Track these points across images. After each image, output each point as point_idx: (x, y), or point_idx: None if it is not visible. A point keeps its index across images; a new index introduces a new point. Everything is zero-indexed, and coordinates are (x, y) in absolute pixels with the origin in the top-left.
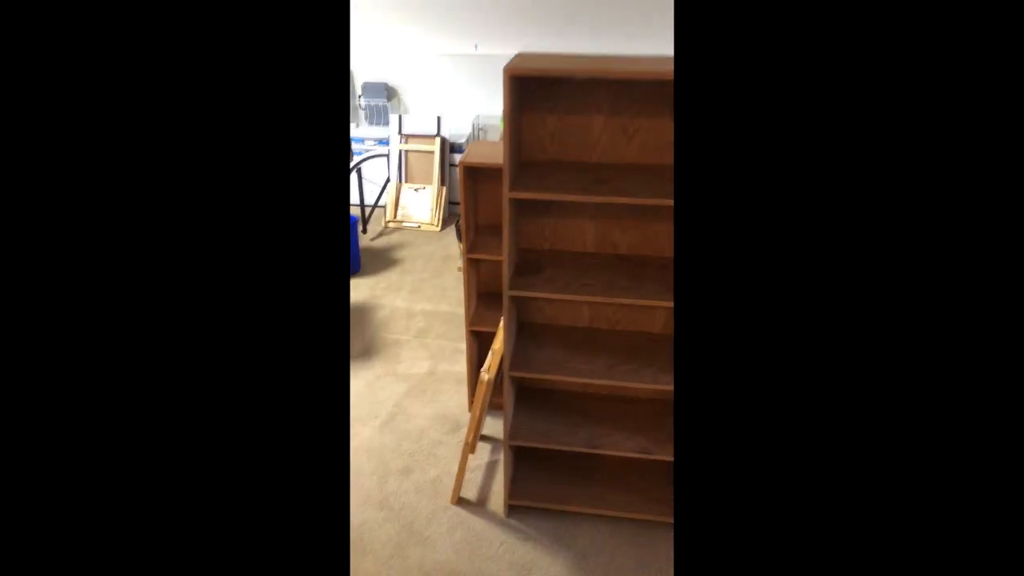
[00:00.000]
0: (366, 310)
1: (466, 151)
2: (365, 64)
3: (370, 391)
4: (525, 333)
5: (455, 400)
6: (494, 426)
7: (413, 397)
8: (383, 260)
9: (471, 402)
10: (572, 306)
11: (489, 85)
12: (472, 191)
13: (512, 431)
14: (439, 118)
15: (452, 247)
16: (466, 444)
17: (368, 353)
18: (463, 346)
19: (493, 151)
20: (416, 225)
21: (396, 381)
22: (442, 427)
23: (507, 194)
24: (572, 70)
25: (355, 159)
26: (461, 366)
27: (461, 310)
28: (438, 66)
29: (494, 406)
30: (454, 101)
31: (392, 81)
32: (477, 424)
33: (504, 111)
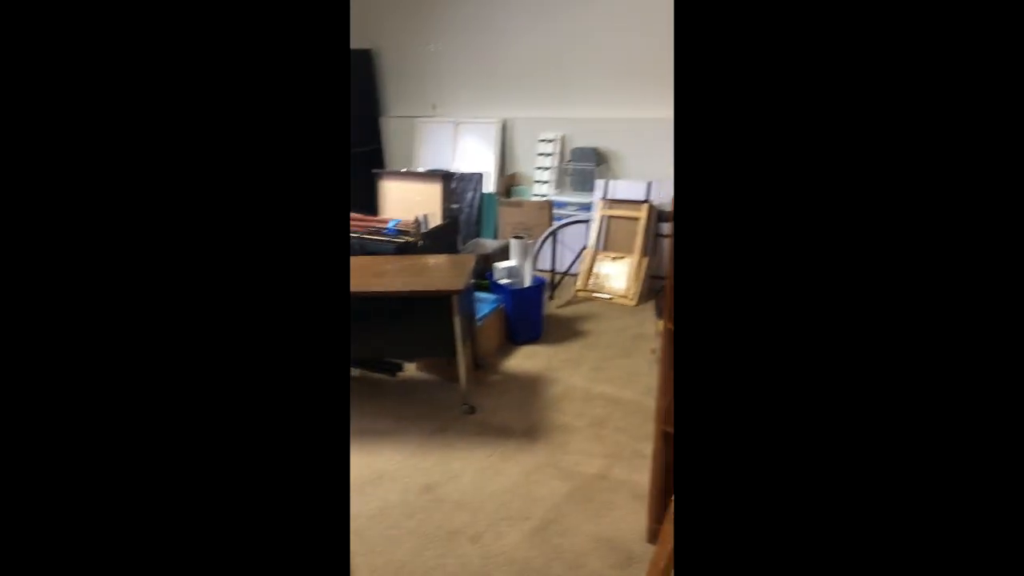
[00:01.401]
0: (539, 382)
1: None
2: (578, 130)
3: (526, 483)
4: None
5: (630, 522)
6: None
7: (576, 504)
8: (567, 330)
9: (651, 531)
10: None
11: None
12: None
13: None
14: (650, 184)
15: (647, 325)
16: None
17: (532, 434)
18: (648, 448)
19: None
20: (609, 297)
21: (558, 477)
22: (608, 556)
23: None
24: None
25: (555, 224)
26: (643, 476)
27: (650, 401)
28: (654, 132)
29: None
30: (669, 168)
31: (603, 146)
32: None
33: None
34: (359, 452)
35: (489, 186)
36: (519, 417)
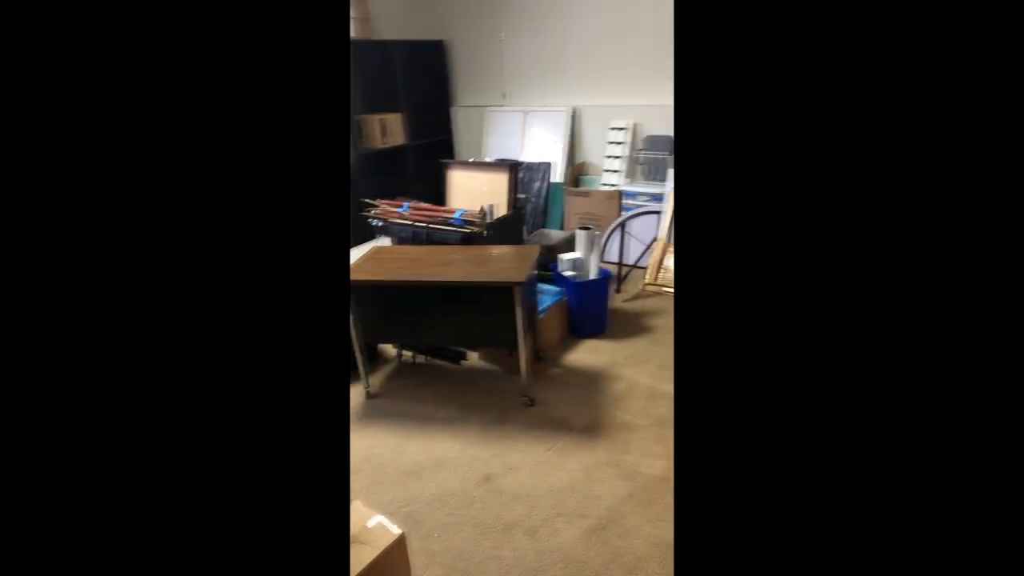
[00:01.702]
0: (602, 378)
1: None
2: (651, 117)
3: (585, 480)
4: None
5: None
6: None
7: (637, 505)
8: (633, 325)
9: None
10: None
11: None
12: None
13: None
14: None
15: None
16: None
17: (592, 430)
18: None
19: None
20: None
21: (619, 477)
22: (669, 562)
23: None
24: None
25: (624, 215)
26: None
27: None
28: None
29: None
30: None
31: None
32: None
33: None
34: (420, 437)
35: (556, 176)
36: (580, 412)
